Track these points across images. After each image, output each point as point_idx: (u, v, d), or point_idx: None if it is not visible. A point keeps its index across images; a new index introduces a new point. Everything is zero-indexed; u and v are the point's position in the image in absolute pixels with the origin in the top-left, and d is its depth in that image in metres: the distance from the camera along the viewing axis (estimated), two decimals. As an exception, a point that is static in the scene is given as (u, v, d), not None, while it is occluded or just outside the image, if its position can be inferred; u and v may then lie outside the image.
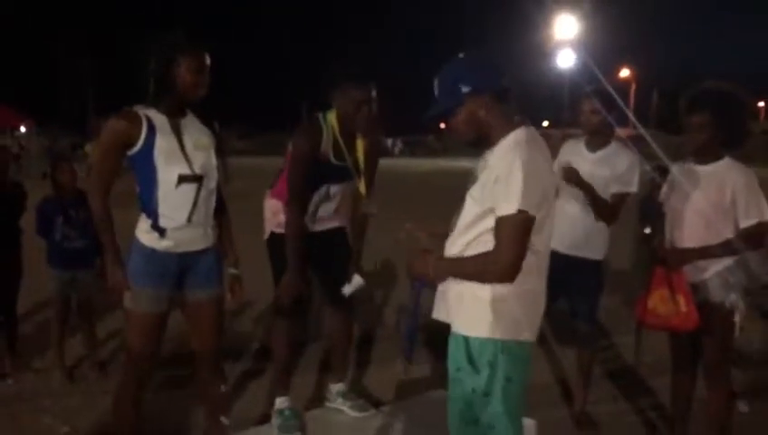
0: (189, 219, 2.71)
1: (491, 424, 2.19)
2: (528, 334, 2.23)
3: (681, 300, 3.10)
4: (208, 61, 2.71)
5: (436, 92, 2.27)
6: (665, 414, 3.90)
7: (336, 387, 3.42)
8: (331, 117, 3.10)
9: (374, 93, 3.05)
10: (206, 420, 3.06)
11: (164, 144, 2.65)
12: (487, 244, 2.13)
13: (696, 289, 3.11)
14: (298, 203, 3.10)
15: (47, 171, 5.57)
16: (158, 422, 3.75)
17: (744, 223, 3.02)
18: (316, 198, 3.18)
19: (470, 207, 2.21)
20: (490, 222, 2.12)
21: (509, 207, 2.06)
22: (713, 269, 3.09)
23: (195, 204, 2.71)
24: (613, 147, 3.72)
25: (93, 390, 4.33)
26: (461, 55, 2.30)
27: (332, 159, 3.12)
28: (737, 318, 3.08)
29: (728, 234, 3.05)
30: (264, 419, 3.54)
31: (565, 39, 39.86)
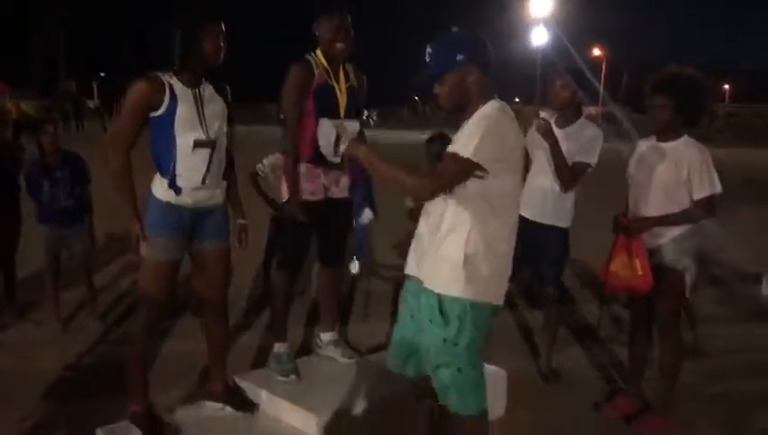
0: (203, 181, 2.96)
1: (459, 369, 2.43)
2: (495, 298, 2.45)
3: (638, 264, 3.43)
4: (224, 29, 2.95)
5: (427, 59, 2.42)
6: (622, 370, 4.29)
7: (326, 336, 3.73)
8: (317, 52, 3.40)
9: (348, 23, 3.35)
10: (211, 364, 3.33)
11: (184, 112, 2.87)
12: (468, 204, 2.35)
13: (653, 254, 3.45)
14: (293, 131, 3.35)
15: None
16: (159, 367, 4.03)
17: (698, 195, 3.37)
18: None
19: None
20: (474, 182, 2.33)
21: (462, 150, 2.27)
22: (668, 236, 3.44)
23: (208, 167, 2.96)
24: (580, 123, 4.01)
25: (93, 339, 4.59)
26: (454, 29, 2.49)
27: (330, 81, 3.38)
28: (688, 280, 3.45)
29: (684, 205, 3.40)
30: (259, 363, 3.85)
31: (539, 17, 40.18)
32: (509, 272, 2.51)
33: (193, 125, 2.89)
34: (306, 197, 3.38)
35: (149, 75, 2.87)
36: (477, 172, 2.31)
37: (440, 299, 2.39)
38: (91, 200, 4.87)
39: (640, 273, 3.42)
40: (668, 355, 3.52)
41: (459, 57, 2.36)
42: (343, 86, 3.42)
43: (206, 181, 2.96)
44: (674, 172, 3.41)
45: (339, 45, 3.35)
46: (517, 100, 62.69)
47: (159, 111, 2.86)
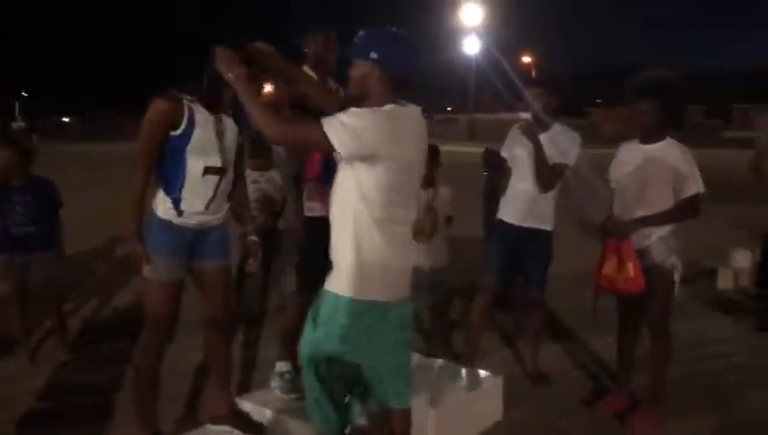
0: (207, 207, 2.92)
1: (316, 377, 2.43)
2: (378, 295, 2.40)
3: (629, 267, 3.52)
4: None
5: (355, 40, 2.47)
6: (606, 367, 4.42)
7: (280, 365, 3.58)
8: (305, 68, 3.32)
9: (335, 36, 3.35)
10: (214, 386, 3.23)
11: (200, 138, 2.82)
12: (348, 203, 2.37)
13: (642, 254, 3.54)
14: (295, 154, 3.37)
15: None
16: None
17: (684, 194, 3.49)
18: None
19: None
20: (347, 172, 2.37)
21: (326, 121, 2.28)
22: (655, 236, 3.54)
23: (214, 194, 2.92)
24: (556, 129, 4.11)
25: (64, 369, 4.41)
26: (394, 30, 2.46)
27: None
28: (676, 277, 3.57)
29: (668, 205, 3.51)
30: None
31: (470, 26, 40.96)
32: (390, 272, 2.44)
33: (206, 151, 2.85)
34: (307, 213, 3.35)
35: (169, 94, 2.80)
36: (335, 153, 2.31)
37: (323, 297, 2.40)
38: (61, 225, 4.67)
39: (632, 275, 3.50)
40: (660, 351, 3.62)
41: (373, 55, 2.39)
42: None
43: (210, 208, 2.94)
44: (659, 174, 3.52)
45: (330, 59, 3.35)
46: (449, 109, 63.84)
47: (177, 131, 2.80)
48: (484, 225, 5.68)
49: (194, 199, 2.87)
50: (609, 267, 3.59)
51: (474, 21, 40.31)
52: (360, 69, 2.43)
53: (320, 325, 2.38)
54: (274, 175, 5.18)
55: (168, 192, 2.86)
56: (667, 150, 3.53)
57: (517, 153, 4.13)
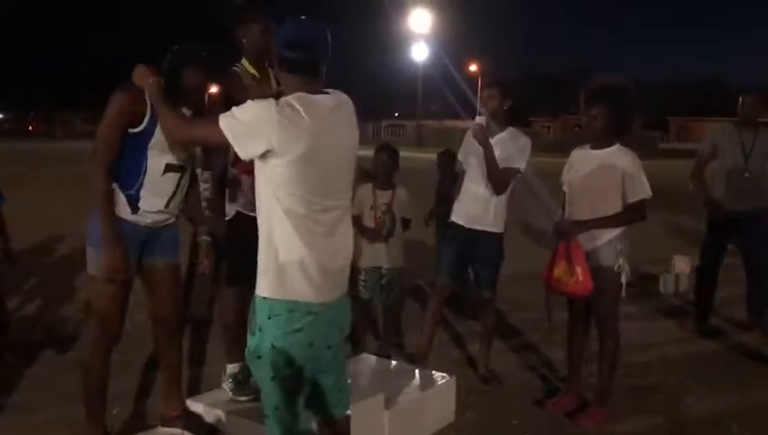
0: (167, 205, 2.88)
1: (261, 385, 2.30)
2: (296, 295, 2.22)
3: (578, 270, 3.60)
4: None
5: None
6: (556, 369, 4.51)
7: (231, 368, 3.46)
8: (244, 62, 3.33)
9: (273, 26, 3.27)
10: (165, 387, 3.17)
11: (161, 136, 2.75)
12: (263, 203, 2.23)
13: (590, 256, 3.63)
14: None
15: None
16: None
17: (632, 199, 3.60)
18: None
19: None
20: (257, 168, 2.24)
21: (222, 117, 2.19)
22: (604, 238, 3.64)
23: (174, 192, 2.88)
24: (508, 132, 4.17)
25: (14, 372, 4.22)
26: (302, 16, 2.32)
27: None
28: (623, 279, 3.67)
29: (617, 208, 3.62)
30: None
31: (420, 33, 41.28)
32: (316, 270, 2.25)
33: (167, 148, 2.80)
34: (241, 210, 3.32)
35: (132, 87, 2.74)
36: (235, 148, 2.20)
37: (254, 302, 2.27)
38: (4, 222, 4.46)
39: (581, 279, 3.58)
40: (608, 351, 3.72)
41: (278, 40, 2.31)
42: (275, 89, 3.34)
43: (170, 206, 2.89)
44: (608, 178, 3.62)
45: (269, 50, 3.15)
46: (397, 114, 64.22)
47: (138, 128, 2.74)
48: (437, 227, 5.72)
49: (153, 198, 2.82)
50: (560, 270, 3.66)
51: (422, 28, 40.65)
52: None
53: (255, 332, 2.25)
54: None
55: (123, 188, 2.80)
56: (617, 156, 3.64)
57: (471, 156, 4.17)
